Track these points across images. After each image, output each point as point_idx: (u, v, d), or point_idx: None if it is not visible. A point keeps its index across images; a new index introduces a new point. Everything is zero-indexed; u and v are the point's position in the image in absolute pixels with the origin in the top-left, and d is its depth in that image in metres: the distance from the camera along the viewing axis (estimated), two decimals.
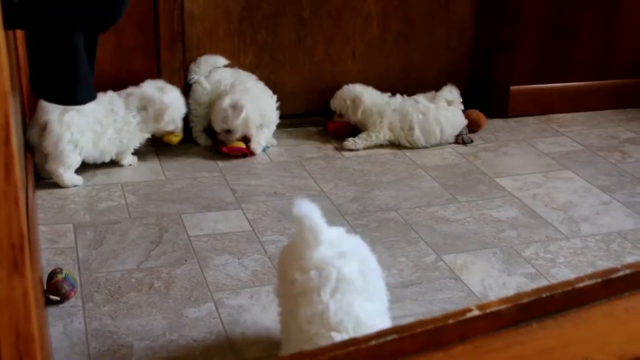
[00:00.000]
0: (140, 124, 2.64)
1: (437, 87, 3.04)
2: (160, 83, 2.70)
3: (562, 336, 1.10)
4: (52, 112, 2.45)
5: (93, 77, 1.44)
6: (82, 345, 1.74)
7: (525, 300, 1.11)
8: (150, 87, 2.67)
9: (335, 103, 2.98)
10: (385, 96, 2.97)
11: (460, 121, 2.97)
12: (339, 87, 3.00)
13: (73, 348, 1.74)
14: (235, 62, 2.98)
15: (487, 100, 3.21)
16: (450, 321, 1.06)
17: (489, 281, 2.07)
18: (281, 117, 2.91)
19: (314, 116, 3.10)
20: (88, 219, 2.31)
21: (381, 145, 2.91)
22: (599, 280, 1.17)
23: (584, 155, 2.91)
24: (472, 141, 2.98)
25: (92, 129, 2.53)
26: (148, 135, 2.70)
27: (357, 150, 2.87)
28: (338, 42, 3.08)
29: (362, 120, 2.93)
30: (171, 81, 2.76)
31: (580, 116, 3.28)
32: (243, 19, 2.94)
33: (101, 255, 2.12)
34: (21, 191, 0.89)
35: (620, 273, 1.19)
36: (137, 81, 2.71)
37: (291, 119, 3.04)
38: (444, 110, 2.92)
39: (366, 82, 3.05)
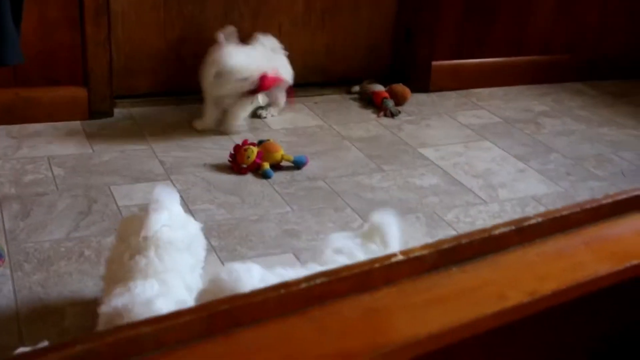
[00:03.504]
0: None
1: (361, 64, 3.10)
2: None
3: (479, 278, 1.18)
4: None
5: (19, 38, 1.44)
6: (11, 312, 1.74)
7: (446, 246, 1.18)
8: None
9: None
10: None
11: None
12: None
13: (1, 316, 1.73)
14: (162, 36, 2.98)
15: (410, 76, 3.30)
16: (376, 265, 1.13)
17: (413, 243, 2.14)
18: None
19: None
20: (14, 192, 2.28)
21: (306, 119, 2.98)
22: (513, 227, 1.26)
23: (501, 127, 3.05)
24: (399, 112, 3.06)
25: None
26: None
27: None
28: (264, 17, 3.10)
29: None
30: (96, 54, 2.74)
31: (497, 91, 3.42)
32: None
33: (29, 226, 2.10)
34: None
35: (532, 221, 1.29)
36: (61, 53, 2.69)
37: None
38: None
39: (291, 57, 3.09)
